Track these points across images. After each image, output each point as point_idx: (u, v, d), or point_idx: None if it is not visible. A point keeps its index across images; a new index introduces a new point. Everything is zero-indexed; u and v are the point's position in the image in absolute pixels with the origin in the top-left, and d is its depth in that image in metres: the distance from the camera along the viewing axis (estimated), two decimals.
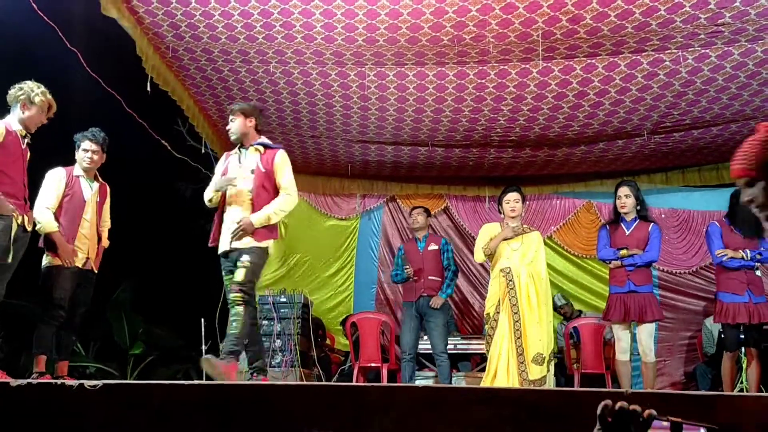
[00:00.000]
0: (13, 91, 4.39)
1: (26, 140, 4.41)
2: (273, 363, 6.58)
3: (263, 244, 4.43)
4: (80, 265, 4.85)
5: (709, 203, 7.40)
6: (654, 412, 1.32)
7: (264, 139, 4.70)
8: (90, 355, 8.97)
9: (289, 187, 4.54)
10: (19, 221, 4.31)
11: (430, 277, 6.34)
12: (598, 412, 1.34)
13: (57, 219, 4.79)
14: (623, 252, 5.29)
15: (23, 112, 4.36)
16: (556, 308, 7.20)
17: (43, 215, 4.73)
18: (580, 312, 7.38)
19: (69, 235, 4.83)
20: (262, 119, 4.84)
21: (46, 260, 4.84)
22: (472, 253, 8.06)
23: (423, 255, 6.45)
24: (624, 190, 5.43)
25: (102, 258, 5.11)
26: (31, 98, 4.36)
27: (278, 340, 6.66)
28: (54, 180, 4.88)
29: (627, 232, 5.39)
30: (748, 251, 5.12)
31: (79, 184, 4.93)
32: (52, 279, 4.75)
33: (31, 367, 4.71)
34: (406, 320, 6.33)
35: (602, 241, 5.48)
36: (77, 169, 4.94)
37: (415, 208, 6.85)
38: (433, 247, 6.50)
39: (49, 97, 4.47)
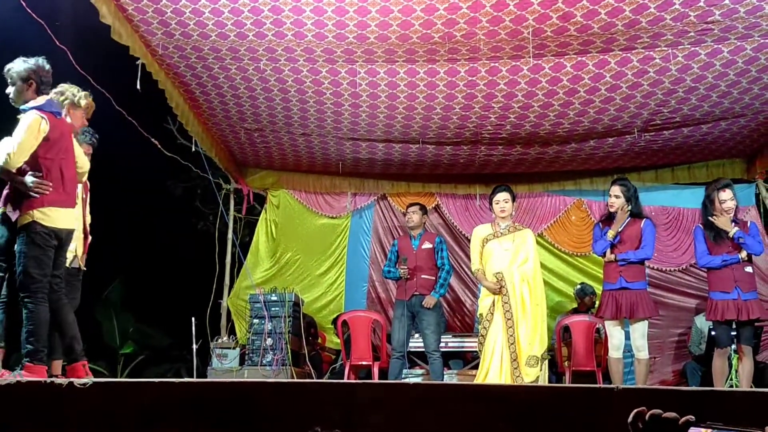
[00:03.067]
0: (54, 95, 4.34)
1: None
2: (264, 361, 6.57)
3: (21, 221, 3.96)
4: (67, 264, 4.82)
5: (699, 201, 7.34)
6: (692, 417, 1.20)
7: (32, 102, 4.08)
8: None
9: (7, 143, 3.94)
10: None
11: (423, 276, 6.29)
12: (630, 419, 1.23)
13: None
14: (610, 233, 5.31)
15: (68, 117, 4.39)
16: (583, 299, 7.21)
17: None
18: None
19: None
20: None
21: None
22: (463, 251, 8.09)
23: (417, 253, 6.39)
24: (614, 190, 5.45)
25: (92, 256, 5.08)
26: (75, 102, 4.43)
27: (269, 339, 6.64)
28: None
29: (619, 229, 5.40)
30: (736, 229, 5.22)
31: None
32: None
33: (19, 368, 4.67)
34: (398, 318, 6.27)
35: (596, 237, 5.51)
36: None
37: (411, 205, 6.74)
38: (427, 245, 6.44)
39: (91, 99, 4.57)
